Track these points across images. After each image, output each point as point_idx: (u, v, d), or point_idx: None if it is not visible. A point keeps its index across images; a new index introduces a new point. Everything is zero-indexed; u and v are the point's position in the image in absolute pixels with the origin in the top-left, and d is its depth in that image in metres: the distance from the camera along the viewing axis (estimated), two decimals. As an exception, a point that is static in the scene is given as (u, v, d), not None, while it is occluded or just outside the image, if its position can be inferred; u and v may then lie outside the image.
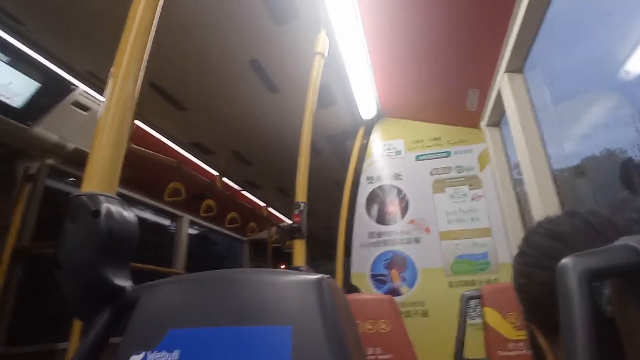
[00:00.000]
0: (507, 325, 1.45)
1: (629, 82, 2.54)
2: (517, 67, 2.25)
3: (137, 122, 3.03)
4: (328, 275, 0.53)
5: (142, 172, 3.14)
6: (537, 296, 0.52)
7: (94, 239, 0.58)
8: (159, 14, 0.90)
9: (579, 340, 0.33)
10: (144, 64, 0.85)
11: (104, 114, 0.76)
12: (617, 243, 0.38)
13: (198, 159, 3.88)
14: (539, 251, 0.54)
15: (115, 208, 0.62)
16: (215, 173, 4.16)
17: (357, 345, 0.51)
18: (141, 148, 2.98)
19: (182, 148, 3.61)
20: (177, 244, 4.39)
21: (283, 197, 4.92)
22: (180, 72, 2.55)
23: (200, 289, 0.54)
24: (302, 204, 1.69)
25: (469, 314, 1.76)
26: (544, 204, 1.97)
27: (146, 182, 3.50)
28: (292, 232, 1.64)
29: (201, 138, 3.49)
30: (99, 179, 0.68)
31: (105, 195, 0.63)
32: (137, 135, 2.99)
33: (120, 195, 0.68)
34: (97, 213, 0.59)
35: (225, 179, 4.32)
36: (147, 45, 0.87)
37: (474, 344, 1.72)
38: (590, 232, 0.51)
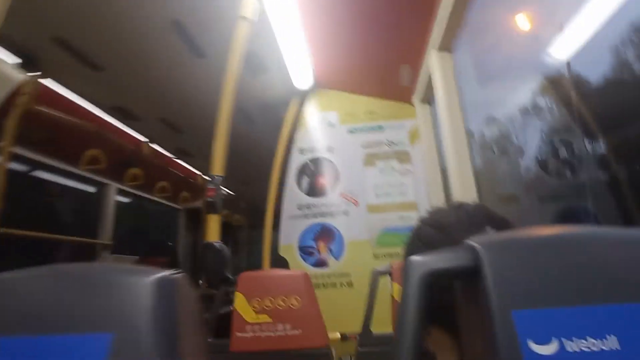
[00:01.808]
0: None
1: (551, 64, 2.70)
2: (445, 46, 2.27)
3: (47, 81, 2.72)
4: (174, 271, 0.48)
5: (55, 137, 2.87)
6: None
7: None
8: None
9: (406, 334, 0.34)
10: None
11: None
12: (464, 243, 0.38)
13: (123, 124, 3.60)
14: (423, 240, 0.55)
15: None
16: (144, 140, 3.92)
17: (198, 347, 0.47)
18: (51, 110, 2.71)
19: (103, 111, 3.33)
20: (103, 213, 4.13)
21: None
22: (93, 28, 2.30)
23: (26, 289, 0.47)
24: (217, 177, 1.62)
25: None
26: (462, 182, 2.05)
27: (61, 147, 3.21)
28: (206, 207, 1.57)
29: (123, 101, 3.23)
30: None
31: None
32: (47, 96, 2.70)
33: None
34: None
35: (155, 147, 4.08)
36: None
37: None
38: (470, 225, 0.53)
